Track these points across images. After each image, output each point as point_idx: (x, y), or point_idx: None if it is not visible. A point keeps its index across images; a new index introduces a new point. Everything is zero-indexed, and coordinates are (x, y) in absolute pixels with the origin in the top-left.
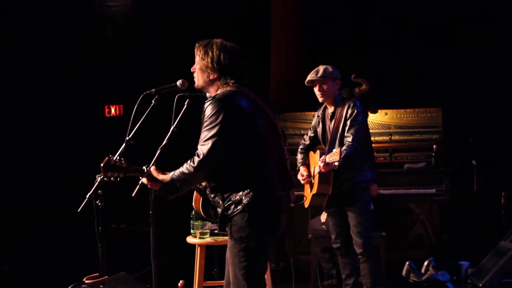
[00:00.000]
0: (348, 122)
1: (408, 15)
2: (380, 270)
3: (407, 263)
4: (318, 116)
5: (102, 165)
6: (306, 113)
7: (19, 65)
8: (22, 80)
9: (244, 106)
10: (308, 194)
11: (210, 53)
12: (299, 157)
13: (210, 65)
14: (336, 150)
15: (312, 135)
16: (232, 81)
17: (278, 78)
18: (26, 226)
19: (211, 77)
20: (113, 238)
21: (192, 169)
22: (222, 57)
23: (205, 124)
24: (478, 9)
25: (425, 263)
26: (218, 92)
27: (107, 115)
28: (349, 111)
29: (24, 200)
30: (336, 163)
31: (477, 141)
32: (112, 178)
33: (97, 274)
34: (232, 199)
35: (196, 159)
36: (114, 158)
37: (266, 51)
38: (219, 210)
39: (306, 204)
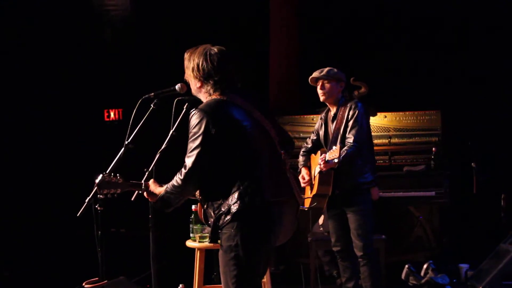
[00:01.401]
0: (350, 123)
1: (408, 16)
2: (380, 273)
3: (406, 266)
4: (321, 118)
5: (97, 183)
6: (305, 116)
7: (19, 65)
8: (22, 80)
9: (229, 113)
10: (309, 196)
11: (192, 62)
12: (301, 159)
13: (192, 73)
14: (335, 147)
15: (315, 138)
16: (213, 89)
17: (277, 79)
18: (26, 229)
19: (197, 85)
20: (112, 242)
21: (180, 182)
22: (202, 65)
23: (190, 135)
24: (478, 10)
25: (425, 266)
26: (207, 99)
27: (106, 119)
28: (351, 113)
29: (24, 203)
30: (336, 160)
31: (477, 143)
32: (108, 195)
33: (97, 278)
34: (222, 209)
35: (183, 171)
36: (110, 174)
37: (266, 52)
38: (211, 220)
39: (306, 204)
